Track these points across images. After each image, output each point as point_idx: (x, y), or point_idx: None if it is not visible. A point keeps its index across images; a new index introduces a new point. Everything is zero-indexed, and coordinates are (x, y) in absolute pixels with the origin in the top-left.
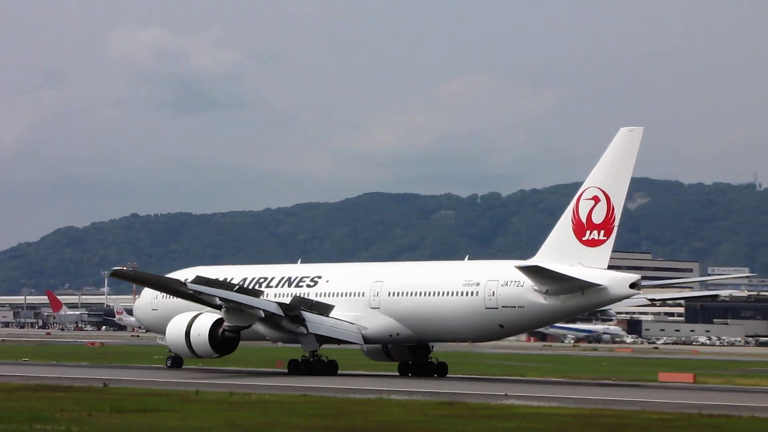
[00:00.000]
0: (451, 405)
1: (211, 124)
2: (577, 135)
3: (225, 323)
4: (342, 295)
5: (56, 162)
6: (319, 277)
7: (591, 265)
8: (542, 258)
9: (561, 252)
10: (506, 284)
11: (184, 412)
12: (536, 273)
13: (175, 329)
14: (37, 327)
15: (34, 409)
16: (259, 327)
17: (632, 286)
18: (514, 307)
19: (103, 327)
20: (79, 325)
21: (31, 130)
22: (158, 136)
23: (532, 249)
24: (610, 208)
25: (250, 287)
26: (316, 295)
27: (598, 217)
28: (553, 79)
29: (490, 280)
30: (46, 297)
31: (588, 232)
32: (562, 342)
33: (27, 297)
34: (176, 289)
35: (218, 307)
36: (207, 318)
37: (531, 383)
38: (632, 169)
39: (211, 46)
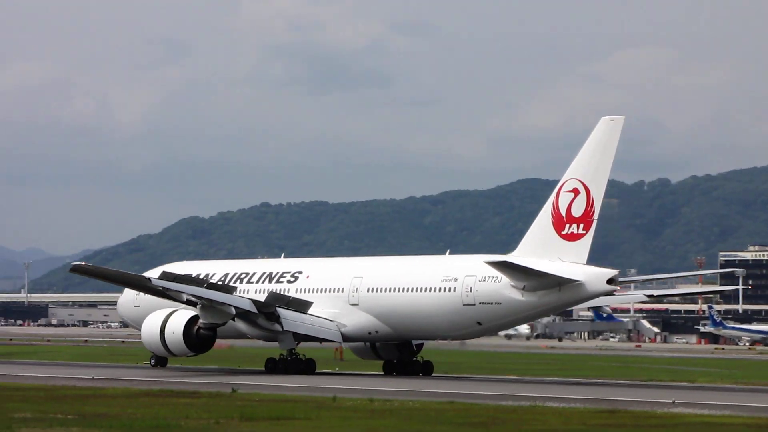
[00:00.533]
0: (613, 413)
1: (349, 103)
2: (757, 115)
3: (200, 321)
4: (321, 292)
5: (179, 146)
6: (300, 273)
7: (570, 260)
8: (522, 252)
9: (540, 246)
10: (484, 280)
11: (319, 420)
12: (506, 268)
13: (149, 327)
14: None
15: (158, 416)
16: (238, 325)
17: (610, 281)
18: (491, 303)
19: None
20: None
21: (151, 110)
22: (291, 116)
23: (705, 241)
24: (589, 202)
25: (230, 283)
26: (296, 291)
27: (577, 210)
28: (731, 51)
29: (468, 276)
30: None
31: (567, 225)
32: (737, 344)
33: None
34: (142, 286)
35: (194, 304)
36: (182, 315)
37: (701, 389)
38: (612, 161)
39: (349, 16)
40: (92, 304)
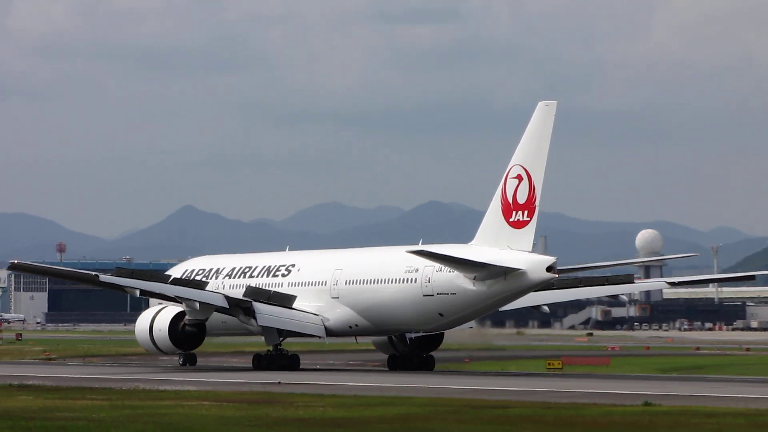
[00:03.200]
0: None
1: None
2: None
3: (186, 317)
4: (308, 285)
5: None
6: (293, 266)
7: (518, 248)
8: (479, 241)
9: (493, 235)
10: (440, 270)
11: None
12: (425, 257)
13: (140, 324)
14: None
15: None
16: (225, 320)
17: (549, 269)
18: (448, 294)
19: None
20: None
21: None
22: None
23: None
24: (531, 187)
25: (235, 277)
26: (288, 285)
27: (521, 196)
28: None
29: (428, 266)
30: None
31: (514, 213)
32: None
33: None
34: (90, 282)
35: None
36: (168, 311)
37: None
38: (548, 145)
39: None
40: None
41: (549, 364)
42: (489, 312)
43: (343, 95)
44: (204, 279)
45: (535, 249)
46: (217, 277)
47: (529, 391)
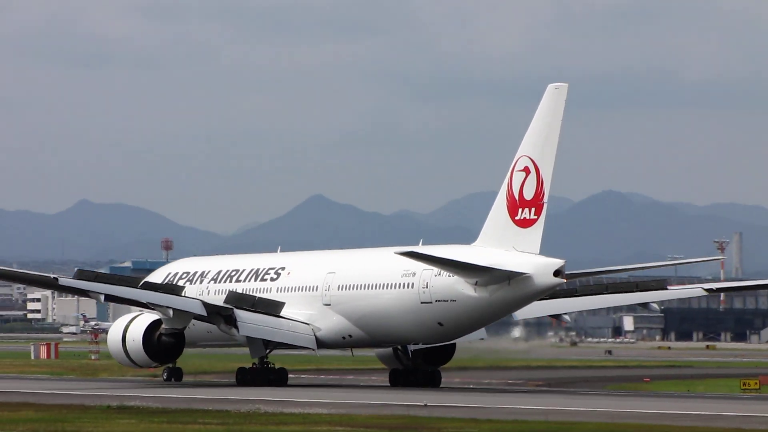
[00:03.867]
0: None
1: None
2: None
3: (162, 325)
4: (298, 290)
5: None
6: (283, 269)
7: (524, 250)
8: (483, 242)
9: (497, 234)
10: (440, 274)
11: None
12: (417, 259)
13: (112, 334)
14: None
15: None
16: (206, 329)
17: (556, 273)
18: (447, 301)
19: None
20: None
21: None
22: None
23: None
24: (539, 181)
25: (222, 281)
26: (277, 290)
27: (529, 192)
28: None
29: (426, 269)
30: None
31: (520, 210)
32: None
33: None
34: (49, 285)
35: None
36: (143, 320)
37: None
38: (558, 134)
39: None
40: None
41: (744, 384)
42: (493, 321)
43: (504, 62)
44: (188, 283)
45: (728, 246)
46: (201, 281)
47: (720, 416)
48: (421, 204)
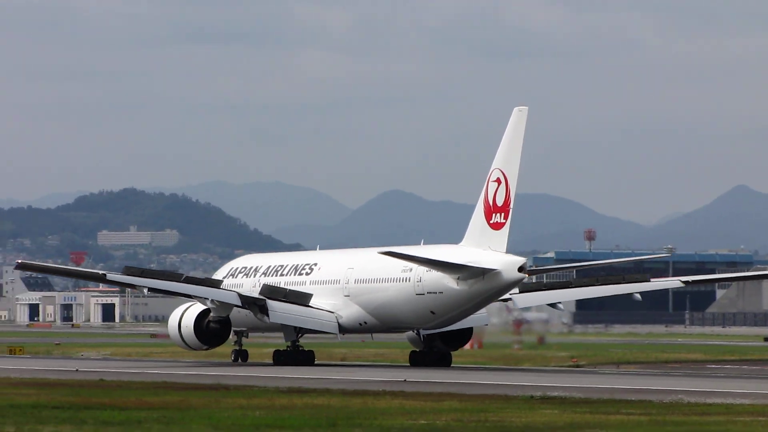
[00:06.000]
0: None
1: None
2: None
3: (211, 314)
4: (325, 283)
5: None
6: (315, 265)
7: (496, 249)
8: (467, 242)
9: (477, 236)
10: (430, 270)
11: None
12: (395, 257)
13: (172, 320)
14: None
15: None
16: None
17: (520, 269)
18: (436, 293)
19: None
20: None
21: None
22: None
23: None
24: (507, 191)
25: (268, 275)
26: (310, 283)
27: (499, 199)
28: None
29: (420, 266)
30: None
31: (494, 215)
32: None
33: None
34: (98, 280)
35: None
36: (194, 309)
37: None
38: (520, 151)
39: None
40: None
41: None
42: (477, 310)
43: None
44: (245, 277)
45: None
46: (255, 275)
47: None
48: None
